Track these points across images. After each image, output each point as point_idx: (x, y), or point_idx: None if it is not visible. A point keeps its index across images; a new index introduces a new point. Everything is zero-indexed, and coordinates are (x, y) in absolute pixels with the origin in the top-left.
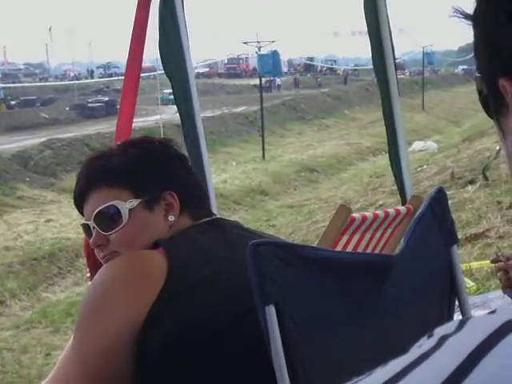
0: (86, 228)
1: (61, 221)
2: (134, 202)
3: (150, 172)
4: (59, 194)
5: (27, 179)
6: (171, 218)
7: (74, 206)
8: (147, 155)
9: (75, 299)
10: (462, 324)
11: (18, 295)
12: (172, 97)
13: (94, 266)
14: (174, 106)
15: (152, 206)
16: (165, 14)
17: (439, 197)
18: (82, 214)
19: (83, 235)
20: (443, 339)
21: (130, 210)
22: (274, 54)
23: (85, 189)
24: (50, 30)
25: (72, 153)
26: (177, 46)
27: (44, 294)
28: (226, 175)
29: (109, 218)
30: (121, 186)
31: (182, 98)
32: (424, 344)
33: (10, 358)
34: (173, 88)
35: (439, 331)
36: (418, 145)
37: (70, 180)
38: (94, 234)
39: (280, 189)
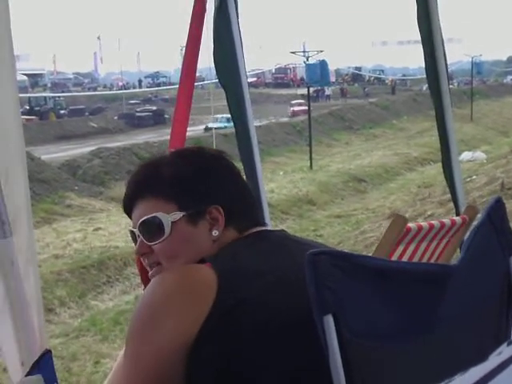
0: (133, 235)
1: (109, 229)
2: (177, 215)
3: (197, 186)
4: (108, 203)
5: (76, 188)
6: (215, 232)
7: (122, 215)
8: (197, 168)
9: (123, 308)
10: None
11: (67, 303)
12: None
13: (145, 270)
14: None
15: (196, 220)
16: (219, 24)
17: (497, 206)
18: (130, 218)
19: (132, 243)
20: None
21: (172, 222)
22: (322, 64)
23: (133, 196)
24: (98, 38)
25: (120, 162)
26: (231, 56)
27: (93, 302)
28: (273, 185)
29: (152, 229)
30: (166, 197)
31: (236, 107)
32: (504, 351)
33: (59, 365)
34: (227, 97)
35: None
36: (466, 155)
37: (119, 189)
38: (138, 242)
39: (327, 198)
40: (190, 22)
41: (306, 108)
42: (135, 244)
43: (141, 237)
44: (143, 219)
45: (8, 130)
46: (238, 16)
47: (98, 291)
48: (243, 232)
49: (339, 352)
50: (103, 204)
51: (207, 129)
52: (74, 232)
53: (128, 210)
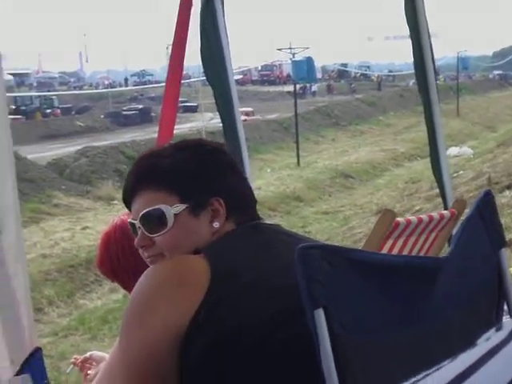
0: (133, 226)
1: (97, 228)
2: (180, 207)
3: (199, 177)
4: (95, 202)
5: (63, 187)
6: (216, 224)
7: (110, 213)
8: (198, 160)
9: (112, 306)
10: None
11: (56, 302)
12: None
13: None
14: (209, 114)
15: (198, 212)
16: (206, 21)
17: (487, 200)
18: (130, 210)
19: None
20: None
21: (175, 214)
22: (309, 61)
23: (133, 188)
24: (84, 35)
25: (107, 161)
26: (217, 53)
27: (81, 301)
28: (260, 182)
29: (154, 221)
30: (168, 189)
31: (224, 104)
32: (493, 337)
33: (48, 364)
34: (214, 94)
35: (508, 325)
36: (453, 150)
37: (106, 188)
38: (139, 234)
39: (315, 195)
40: (176, 19)
41: (252, 118)
42: (134, 236)
43: (142, 229)
44: (145, 211)
45: None
46: (224, 13)
47: (87, 290)
48: (241, 225)
49: (330, 346)
50: (90, 203)
51: None
52: (61, 231)
53: (128, 202)
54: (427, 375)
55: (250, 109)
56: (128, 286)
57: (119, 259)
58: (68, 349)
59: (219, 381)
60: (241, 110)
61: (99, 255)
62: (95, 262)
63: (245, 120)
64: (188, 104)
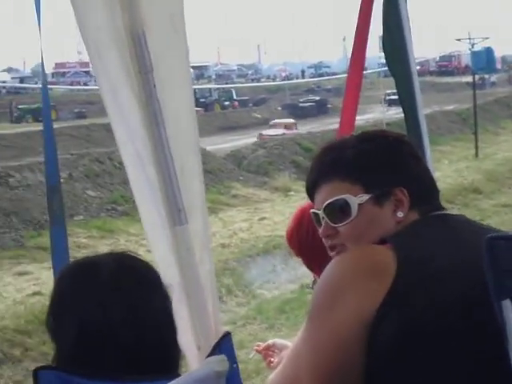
0: (316, 216)
1: (274, 219)
2: (364, 197)
3: (381, 167)
4: (272, 193)
5: (241, 178)
6: (400, 214)
7: (286, 205)
8: (380, 150)
9: (289, 296)
10: None
11: (234, 291)
12: None
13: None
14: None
15: (382, 202)
16: (389, 12)
17: None
18: (312, 201)
19: None
20: None
21: (359, 204)
22: (488, 51)
23: (317, 179)
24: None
25: (284, 152)
26: (400, 43)
27: (259, 291)
28: (438, 173)
29: (338, 211)
30: (352, 180)
31: (406, 95)
32: None
33: None
34: (396, 85)
35: None
36: None
37: (283, 179)
38: (323, 224)
39: (494, 187)
40: (359, 10)
41: (293, 132)
42: (318, 226)
43: (325, 219)
44: (329, 201)
45: (184, 123)
46: (406, 3)
47: (264, 280)
48: (425, 215)
49: None
50: (267, 194)
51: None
52: (239, 222)
53: (311, 193)
54: None
55: (291, 120)
56: (310, 265)
57: (308, 237)
58: (246, 338)
59: (405, 368)
60: (279, 122)
61: (290, 228)
62: (286, 234)
63: (283, 134)
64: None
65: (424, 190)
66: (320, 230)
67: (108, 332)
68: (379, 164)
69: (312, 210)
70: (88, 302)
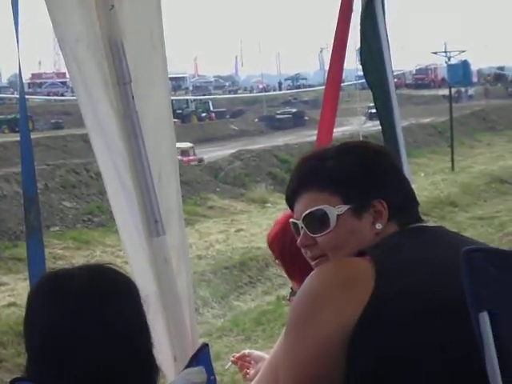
0: (295, 226)
1: (251, 230)
2: (343, 208)
3: (361, 179)
4: (249, 205)
5: (218, 189)
6: (379, 225)
7: (263, 216)
8: (360, 162)
9: (265, 308)
10: None
11: (210, 303)
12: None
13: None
14: (361, 118)
15: (360, 213)
16: (367, 24)
17: None
18: (292, 211)
19: None
20: None
21: (338, 215)
22: (465, 64)
23: (296, 189)
24: (240, 42)
25: (261, 164)
26: (378, 56)
27: (235, 303)
28: (414, 186)
29: (317, 221)
30: (331, 190)
31: (384, 107)
32: None
33: None
34: (374, 97)
35: None
36: None
37: (260, 190)
38: (301, 234)
39: (470, 200)
40: (336, 22)
41: (191, 158)
42: (297, 236)
43: (304, 229)
44: (308, 211)
45: (161, 131)
46: (384, 16)
47: (240, 292)
48: (404, 227)
49: (494, 348)
50: (244, 205)
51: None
52: (216, 233)
53: (291, 202)
54: None
55: (189, 144)
56: (291, 272)
57: (291, 243)
58: (222, 349)
59: (385, 381)
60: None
61: (274, 232)
62: (267, 236)
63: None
64: (373, 111)
65: (403, 201)
66: (298, 240)
67: (76, 344)
68: (359, 175)
69: (291, 220)
70: (55, 313)
